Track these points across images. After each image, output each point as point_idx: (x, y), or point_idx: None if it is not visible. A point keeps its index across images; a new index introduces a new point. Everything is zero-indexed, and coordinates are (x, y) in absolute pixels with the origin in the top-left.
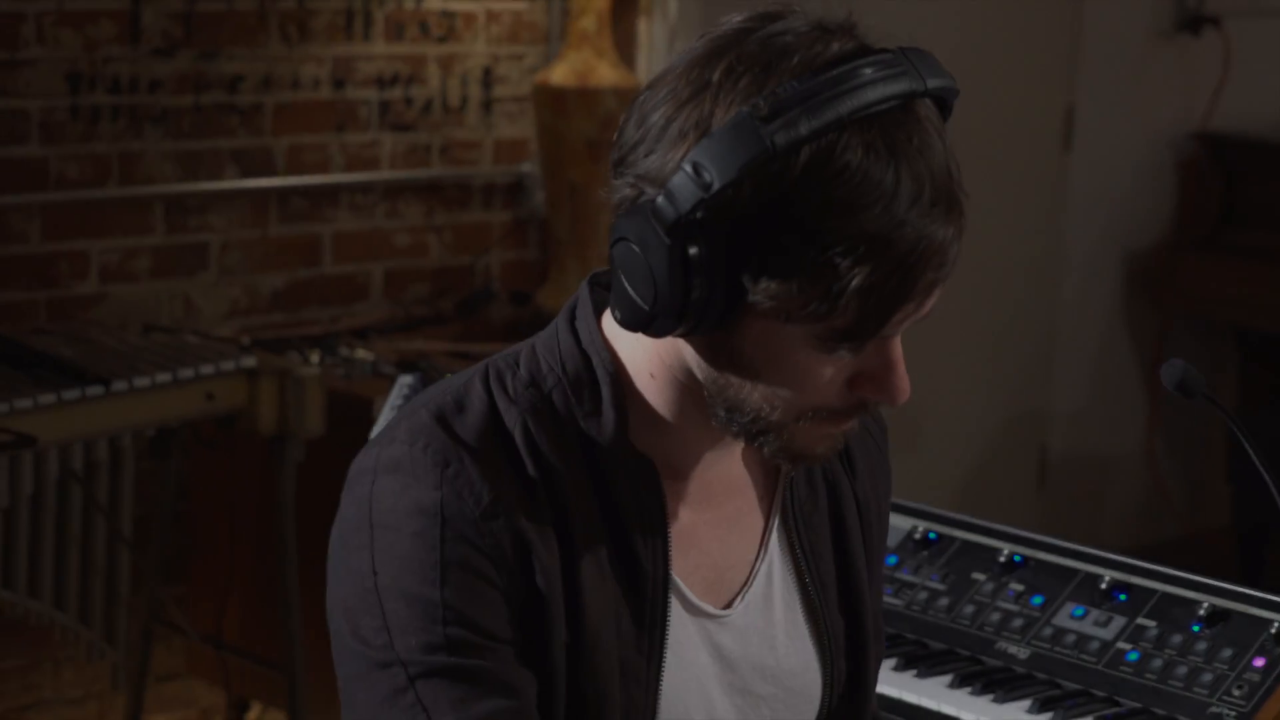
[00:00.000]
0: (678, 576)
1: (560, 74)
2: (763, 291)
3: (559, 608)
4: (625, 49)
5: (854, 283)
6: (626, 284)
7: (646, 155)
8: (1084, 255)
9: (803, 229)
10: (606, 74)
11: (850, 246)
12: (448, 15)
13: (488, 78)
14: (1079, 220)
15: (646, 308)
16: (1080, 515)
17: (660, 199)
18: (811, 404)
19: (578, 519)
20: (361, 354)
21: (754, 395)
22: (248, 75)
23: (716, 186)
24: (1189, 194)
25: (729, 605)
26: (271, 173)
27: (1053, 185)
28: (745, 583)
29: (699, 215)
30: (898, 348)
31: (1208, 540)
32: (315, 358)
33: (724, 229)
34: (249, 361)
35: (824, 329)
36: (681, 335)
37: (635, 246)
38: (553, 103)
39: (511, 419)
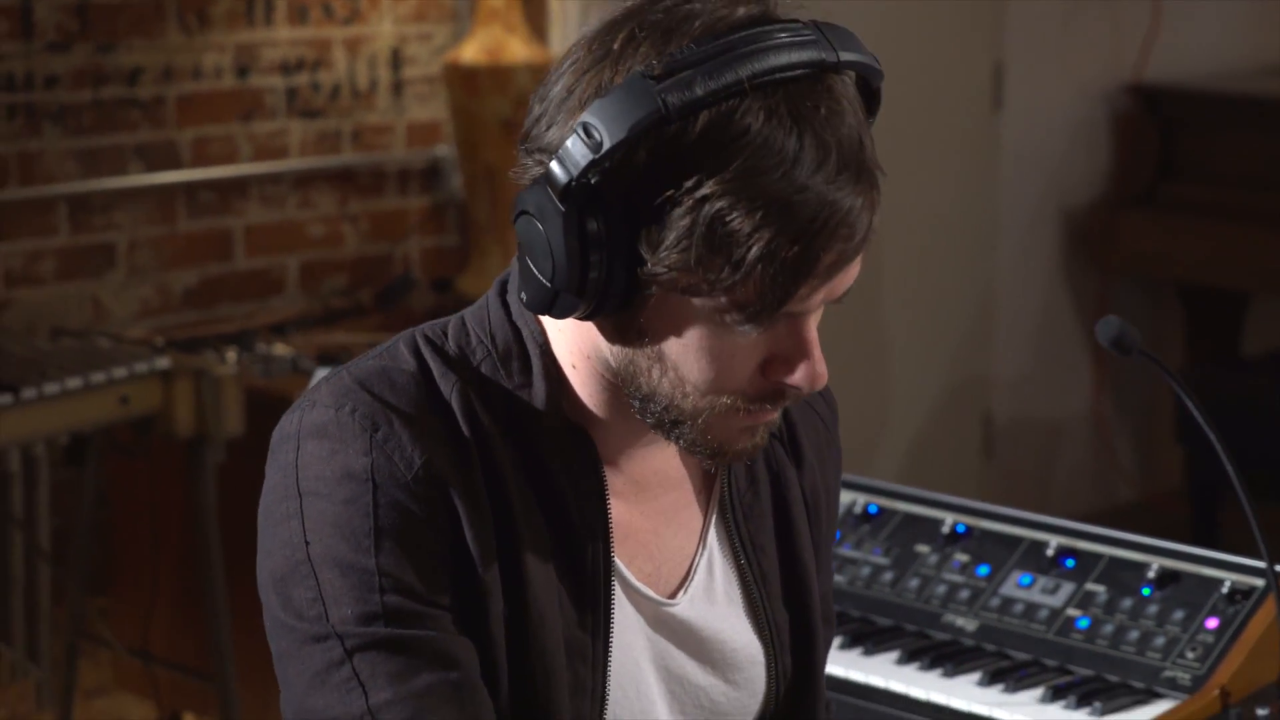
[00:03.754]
0: (617, 559)
1: (470, 52)
2: (662, 261)
3: (495, 578)
4: (536, 23)
5: (753, 251)
6: (529, 260)
7: (548, 128)
8: (1020, 216)
9: (701, 194)
10: (518, 50)
11: (749, 211)
12: None
13: (396, 59)
14: (1013, 181)
15: (548, 284)
16: (1028, 482)
17: (553, 164)
18: (722, 388)
19: (513, 490)
20: (279, 350)
21: (664, 381)
22: (147, 67)
23: (607, 146)
24: (1125, 149)
25: (672, 596)
26: (177, 166)
27: (985, 146)
28: (686, 576)
29: (593, 180)
30: (812, 330)
31: (1160, 504)
32: (231, 356)
33: (619, 195)
34: (163, 363)
35: (727, 303)
36: (587, 316)
37: (535, 219)
38: (464, 82)
39: (448, 385)
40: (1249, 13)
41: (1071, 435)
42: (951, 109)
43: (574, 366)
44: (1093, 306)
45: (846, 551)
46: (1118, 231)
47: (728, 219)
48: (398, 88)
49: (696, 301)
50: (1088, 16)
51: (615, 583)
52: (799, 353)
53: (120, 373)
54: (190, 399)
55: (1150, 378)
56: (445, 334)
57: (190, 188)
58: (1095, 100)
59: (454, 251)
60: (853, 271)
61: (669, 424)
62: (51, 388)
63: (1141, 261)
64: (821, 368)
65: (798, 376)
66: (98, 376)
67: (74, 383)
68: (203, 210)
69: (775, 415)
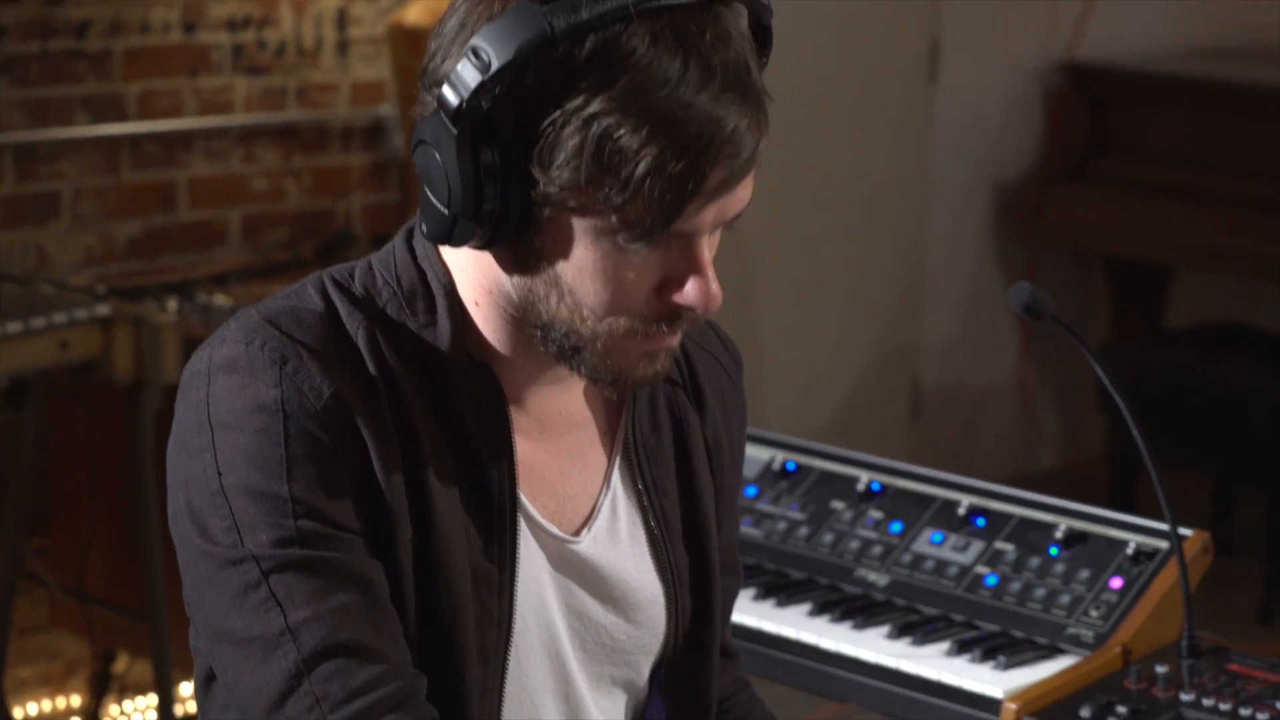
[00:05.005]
0: (522, 494)
1: (414, 13)
2: (553, 181)
3: (403, 507)
4: None
5: (640, 166)
6: (427, 190)
7: (443, 61)
8: (952, 188)
9: (588, 112)
10: None
11: (636, 128)
12: None
13: (342, 19)
14: (946, 154)
15: (445, 210)
16: (954, 447)
17: (445, 88)
18: (619, 310)
19: (420, 425)
20: (220, 300)
21: (561, 307)
22: (95, 20)
23: (495, 67)
24: (1056, 125)
25: (576, 534)
26: (123, 119)
27: (919, 119)
28: (590, 515)
29: (485, 105)
30: (704, 250)
31: (1081, 470)
32: (172, 305)
33: (510, 118)
34: (103, 310)
35: (618, 221)
36: (484, 244)
37: (431, 147)
38: (408, 43)
39: (354, 325)
40: None
41: (997, 402)
42: (888, 82)
43: (476, 303)
44: (1021, 277)
45: (764, 506)
46: (1047, 205)
47: (615, 136)
48: (343, 47)
49: (589, 221)
50: None
51: (520, 517)
52: (692, 271)
53: (60, 318)
54: (129, 346)
55: (1074, 348)
56: (352, 276)
57: (135, 140)
58: (1028, 77)
59: (394, 209)
60: (742, 194)
61: (569, 351)
62: None
63: (1069, 234)
64: (715, 288)
65: (691, 295)
66: (37, 321)
67: (14, 327)
68: (147, 162)
69: (674, 341)
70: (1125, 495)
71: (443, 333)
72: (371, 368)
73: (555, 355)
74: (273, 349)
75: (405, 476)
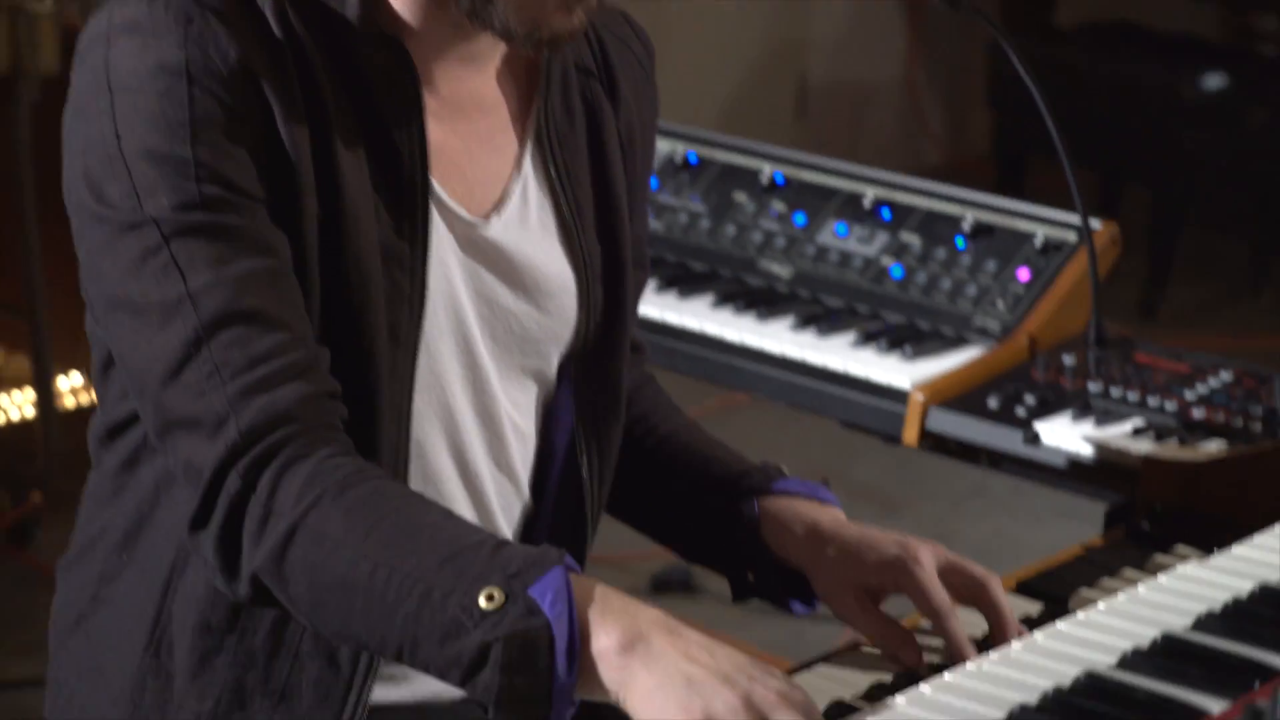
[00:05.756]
0: (431, 176)
1: None
2: None
3: (309, 177)
4: None
5: None
6: None
7: None
8: None
9: None
10: None
11: None
12: None
13: None
14: None
15: None
16: (839, 144)
17: None
18: None
19: (328, 96)
20: None
21: None
22: None
23: None
24: None
25: (485, 217)
26: None
27: None
28: (500, 200)
29: None
30: None
31: (966, 167)
32: None
33: None
34: None
35: None
36: None
37: None
38: None
39: None
40: None
41: (883, 99)
42: None
43: None
44: None
45: (665, 199)
46: None
47: None
48: None
49: None
50: None
51: (429, 200)
52: None
53: None
54: (6, 36)
55: (960, 47)
56: None
57: None
58: None
59: None
60: None
61: (481, 3)
62: None
63: None
64: None
65: None
66: None
67: None
68: None
69: None
70: (1012, 191)
71: (351, 3)
72: (278, 33)
73: (468, 13)
74: (177, 10)
75: (312, 147)
